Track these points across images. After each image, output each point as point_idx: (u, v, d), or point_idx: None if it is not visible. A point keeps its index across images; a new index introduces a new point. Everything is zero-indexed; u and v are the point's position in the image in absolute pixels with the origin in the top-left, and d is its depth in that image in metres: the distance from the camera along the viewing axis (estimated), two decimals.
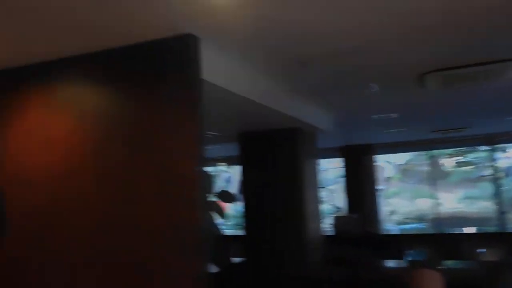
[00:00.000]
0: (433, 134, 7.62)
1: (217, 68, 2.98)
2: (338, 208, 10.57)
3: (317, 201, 5.85)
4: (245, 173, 5.75)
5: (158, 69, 2.67)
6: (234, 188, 11.04)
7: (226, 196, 5.58)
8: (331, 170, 10.28)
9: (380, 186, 9.35)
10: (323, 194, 6.81)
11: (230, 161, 9.56)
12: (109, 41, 2.68)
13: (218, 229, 5.37)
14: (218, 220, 5.41)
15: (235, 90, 3.22)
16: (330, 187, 10.37)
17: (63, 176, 2.85)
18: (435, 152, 9.63)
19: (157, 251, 2.57)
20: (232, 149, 6.50)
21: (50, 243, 2.84)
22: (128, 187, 2.68)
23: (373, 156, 9.15)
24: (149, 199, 2.62)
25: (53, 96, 2.95)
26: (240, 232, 6.22)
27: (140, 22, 2.43)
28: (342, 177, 9.33)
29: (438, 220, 9.04)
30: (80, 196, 2.79)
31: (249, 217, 5.64)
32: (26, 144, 2.99)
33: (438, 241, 7.73)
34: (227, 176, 10.86)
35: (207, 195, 2.67)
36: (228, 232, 7.69)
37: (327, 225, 7.58)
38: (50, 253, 2.83)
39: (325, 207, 8.05)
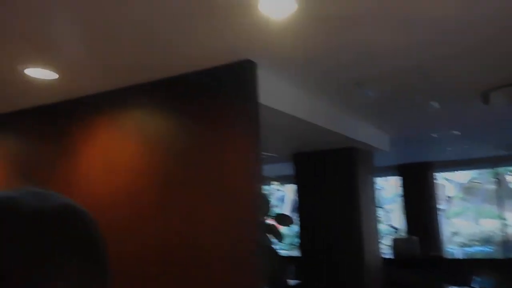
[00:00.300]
0: (498, 151, 7.18)
1: (273, 91, 3.02)
2: (395, 228, 10.16)
3: (375, 221, 5.67)
4: (300, 194, 5.71)
5: (217, 95, 2.75)
6: (287, 206, 11.00)
7: (283, 219, 5.55)
8: (388, 189, 9.95)
9: (441, 206, 8.89)
10: (380, 213, 6.58)
11: (283, 180, 9.54)
12: (170, 69, 2.81)
13: (275, 251, 5.34)
14: (275, 242, 5.39)
15: (291, 112, 3.24)
16: (387, 206, 10.02)
17: (127, 197, 2.99)
18: (500, 169, 9.06)
19: (216, 271, 2.60)
20: (285, 168, 6.49)
21: (113, 262, 2.96)
22: (189, 208, 2.75)
23: (433, 174, 8.74)
24: (209, 220, 2.67)
25: (119, 122, 3.12)
26: (294, 253, 6.16)
27: (199, 51, 2.53)
28: (399, 196, 8.99)
29: (507, 243, 8.41)
30: (142, 216, 2.91)
31: (305, 237, 5.57)
32: (94, 167, 3.17)
33: (508, 267, 7.17)
34: (281, 195, 10.84)
35: (264, 216, 2.68)
36: (283, 252, 7.62)
37: (384, 247, 7.29)
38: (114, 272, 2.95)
39: (382, 227, 7.76)
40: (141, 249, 2.88)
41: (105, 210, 3.04)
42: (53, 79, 2.90)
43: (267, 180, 9.59)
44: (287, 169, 6.02)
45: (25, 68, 2.71)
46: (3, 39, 2.28)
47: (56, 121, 3.42)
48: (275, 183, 10.18)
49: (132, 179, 2.99)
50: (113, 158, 3.09)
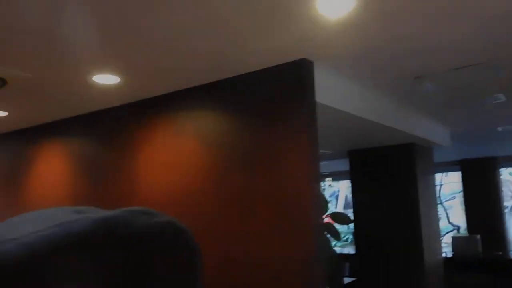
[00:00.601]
0: None
1: (329, 89, 2.98)
2: (455, 226, 9.72)
3: (435, 219, 5.45)
4: (355, 190, 5.61)
5: (273, 94, 2.76)
6: (340, 203, 10.84)
7: (340, 218, 5.48)
8: (447, 185, 9.52)
9: (506, 203, 8.37)
10: (439, 211, 6.32)
11: (336, 176, 9.40)
12: (227, 71, 2.85)
13: (334, 251, 5.29)
14: (332, 241, 5.34)
15: (347, 109, 3.18)
16: (446, 203, 9.60)
17: (183, 197, 3.08)
18: None
19: (274, 272, 2.62)
20: (339, 164, 6.40)
21: None
22: (246, 208, 2.79)
23: (498, 170, 8.24)
24: (266, 220, 2.69)
25: (177, 123, 3.22)
26: (347, 250, 6.06)
27: (257, 52, 2.55)
28: (460, 192, 8.56)
29: None
30: (199, 216, 2.99)
31: (359, 235, 5.47)
32: (152, 166, 3.30)
33: None
34: (333, 191, 10.70)
35: (322, 216, 2.66)
36: (338, 250, 7.52)
37: (444, 246, 6.98)
38: None
39: (441, 225, 7.44)
40: None
41: (162, 208, 3.16)
42: (116, 83, 3.04)
43: (322, 178, 9.51)
44: (341, 165, 5.94)
45: (93, 76, 2.87)
46: (74, 52, 2.43)
47: (118, 123, 3.59)
48: (328, 179, 10.06)
49: (189, 179, 3.07)
50: (171, 158, 3.19)
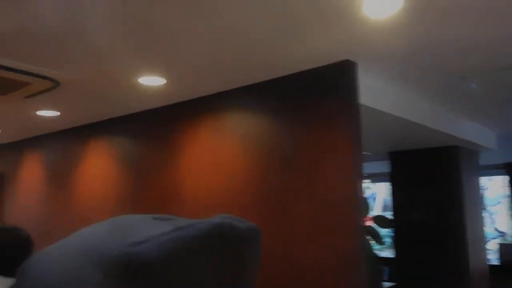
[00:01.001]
0: None
1: (372, 90, 2.95)
2: (501, 232, 9.31)
3: (481, 225, 5.26)
4: (396, 193, 5.50)
5: (317, 96, 2.76)
6: (378, 206, 10.62)
7: (382, 221, 5.38)
8: (492, 189, 9.14)
9: None
10: (484, 216, 6.08)
11: (375, 178, 9.23)
12: (271, 72, 2.88)
13: (375, 255, 5.21)
14: (373, 244, 5.26)
15: (390, 111, 3.14)
16: (492, 208, 9.22)
17: (226, 198, 3.13)
18: None
19: (317, 273, 2.62)
20: (378, 166, 6.29)
21: None
22: (287, 208, 2.80)
23: None
24: (308, 222, 2.69)
25: (221, 124, 3.28)
26: (385, 253, 5.95)
27: (301, 53, 2.56)
28: (506, 197, 8.20)
29: None
30: (242, 216, 3.03)
31: (399, 239, 5.35)
32: (196, 166, 3.38)
33: None
34: (371, 193, 10.52)
35: (364, 218, 2.64)
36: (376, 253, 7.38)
37: (489, 252, 6.71)
38: None
39: (486, 231, 7.15)
40: None
41: (206, 208, 3.22)
42: (161, 85, 3.14)
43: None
44: (379, 167, 5.83)
45: (139, 78, 2.98)
46: (122, 55, 2.53)
47: (163, 123, 3.70)
48: (366, 181, 9.90)
49: (232, 180, 3.12)
50: (215, 158, 3.26)
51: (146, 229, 0.47)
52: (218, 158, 3.23)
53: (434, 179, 5.07)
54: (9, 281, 1.75)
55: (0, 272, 1.70)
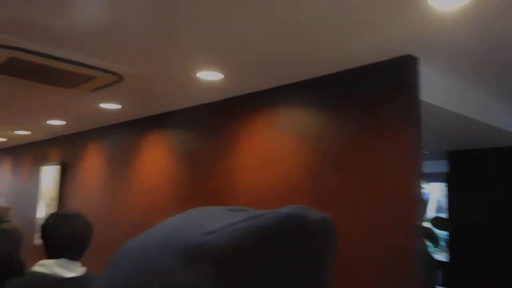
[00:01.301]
0: None
1: (434, 87, 2.84)
2: None
3: None
4: (453, 194, 5.27)
5: (376, 91, 2.70)
6: (432, 206, 10.21)
7: (441, 223, 5.17)
8: None
9: None
10: None
11: (429, 178, 8.88)
12: (329, 67, 2.85)
13: (433, 258, 5.03)
14: (431, 247, 5.08)
15: (454, 109, 3.01)
16: None
17: (280, 195, 3.14)
18: None
19: (370, 277, 2.58)
20: (432, 166, 6.04)
21: None
22: (342, 208, 2.77)
23: None
24: (363, 222, 2.65)
25: (276, 120, 3.29)
26: (438, 256, 5.71)
27: (361, 47, 2.51)
28: None
29: None
30: None
31: (455, 242, 5.13)
32: (251, 161, 3.42)
33: None
34: (425, 194, 10.14)
35: (423, 218, 2.56)
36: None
37: None
38: None
39: None
40: None
41: (259, 205, 3.25)
42: (219, 79, 3.20)
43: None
44: (434, 166, 5.61)
45: (197, 72, 3.05)
46: (182, 49, 2.61)
47: (219, 117, 3.77)
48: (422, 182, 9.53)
49: (286, 177, 3.13)
50: (268, 154, 3.28)
51: (220, 219, 0.47)
52: (273, 156, 3.25)
53: (498, 181, 4.81)
54: (78, 264, 1.90)
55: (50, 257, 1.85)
